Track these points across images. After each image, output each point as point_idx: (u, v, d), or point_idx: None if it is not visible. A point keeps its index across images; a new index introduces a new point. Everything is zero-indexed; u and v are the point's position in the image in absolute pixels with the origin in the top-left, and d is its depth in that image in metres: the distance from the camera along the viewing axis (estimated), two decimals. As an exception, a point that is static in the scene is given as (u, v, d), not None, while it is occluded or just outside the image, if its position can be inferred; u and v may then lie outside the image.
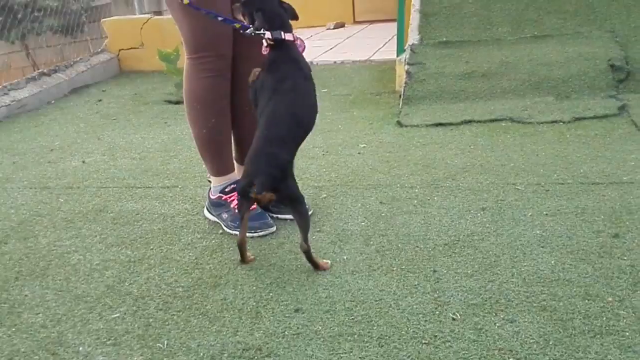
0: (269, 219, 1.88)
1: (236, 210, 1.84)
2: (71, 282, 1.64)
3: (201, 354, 1.28)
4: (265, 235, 1.83)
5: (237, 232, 1.72)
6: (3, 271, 1.74)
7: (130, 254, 1.78)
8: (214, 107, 1.89)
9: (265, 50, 1.65)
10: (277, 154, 1.56)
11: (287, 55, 1.65)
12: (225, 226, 1.90)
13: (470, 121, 2.79)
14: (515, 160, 2.27)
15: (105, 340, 1.36)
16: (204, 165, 2.08)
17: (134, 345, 1.33)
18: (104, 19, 5.21)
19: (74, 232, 1.98)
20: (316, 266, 1.57)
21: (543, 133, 2.57)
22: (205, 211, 2.02)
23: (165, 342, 1.33)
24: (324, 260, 1.60)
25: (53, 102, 4.20)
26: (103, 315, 1.47)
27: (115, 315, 1.46)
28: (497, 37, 3.61)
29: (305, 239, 1.54)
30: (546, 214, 1.79)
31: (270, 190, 1.52)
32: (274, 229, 1.85)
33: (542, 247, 1.60)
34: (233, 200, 1.91)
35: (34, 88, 4.19)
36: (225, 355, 1.27)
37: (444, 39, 3.60)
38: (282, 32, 1.62)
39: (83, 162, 2.74)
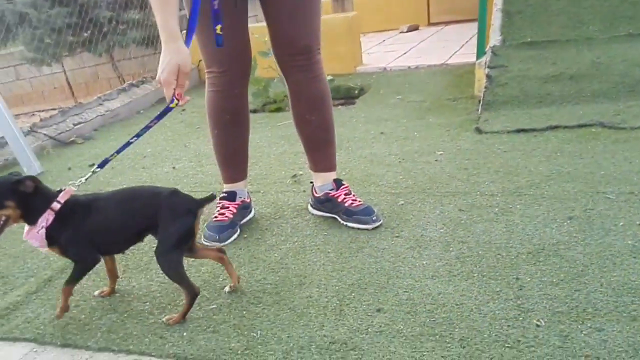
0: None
1: (214, 218, 2.03)
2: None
3: (291, 344, 1.38)
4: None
5: (207, 242, 1.96)
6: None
7: (221, 253, 1.92)
8: (215, 120, 2.00)
9: (45, 223, 1.50)
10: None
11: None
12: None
13: (556, 127, 2.70)
14: (606, 167, 2.18)
15: (205, 327, 1.50)
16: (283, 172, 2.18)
17: (231, 334, 1.45)
18: (184, 30, 5.51)
19: (171, 231, 2.15)
20: None
21: (637, 139, 2.44)
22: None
23: (259, 332, 1.45)
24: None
25: (142, 111, 4.54)
26: (202, 306, 1.60)
27: (212, 307, 1.59)
28: (588, 36, 3.44)
29: None
30: (639, 224, 1.72)
31: None
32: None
33: (634, 257, 1.55)
34: (217, 207, 2.06)
35: (125, 98, 4.56)
36: (313, 346, 1.36)
37: (529, 39, 3.48)
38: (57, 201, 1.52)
39: (173, 168, 2.95)
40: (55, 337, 1.56)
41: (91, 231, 1.53)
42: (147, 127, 1.63)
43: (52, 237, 1.51)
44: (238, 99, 1.96)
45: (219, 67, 1.89)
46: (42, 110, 4.34)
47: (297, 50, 1.85)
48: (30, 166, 3.18)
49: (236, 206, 2.07)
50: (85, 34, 5.68)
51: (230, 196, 2.08)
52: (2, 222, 1.48)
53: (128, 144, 1.64)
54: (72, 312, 1.67)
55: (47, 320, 1.64)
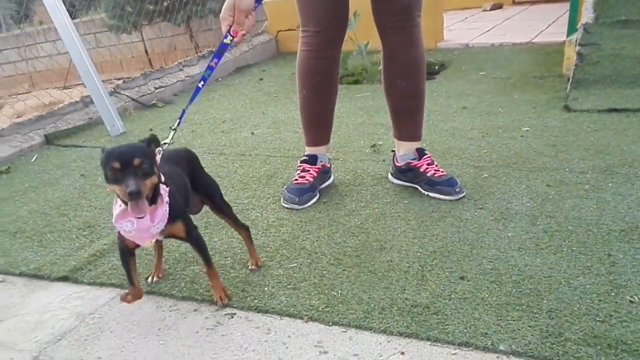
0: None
1: (294, 181, 2.06)
2: (252, 234, 1.84)
3: (372, 305, 1.40)
4: None
5: (287, 205, 1.99)
6: (194, 221, 2.02)
7: (301, 215, 1.96)
8: (305, 80, 2.00)
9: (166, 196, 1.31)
10: None
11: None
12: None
13: (651, 108, 2.54)
14: None
15: (285, 284, 1.54)
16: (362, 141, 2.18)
17: (311, 291, 1.49)
18: (265, 0, 5.49)
19: (250, 192, 2.22)
20: None
21: None
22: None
23: (339, 292, 1.47)
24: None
25: (220, 79, 4.65)
26: (282, 264, 1.65)
27: (292, 265, 1.64)
28: (688, 15, 3.20)
29: None
30: None
31: None
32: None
33: None
34: (298, 171, 2.10)
35: (205, 65, 4.67)
36: (394, 308, 1.37)
37: (623, 17, 3.27)
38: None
39: (252, 133, 3.02)
40: (140, 284, 1.61)
41: (183, 198, 1.43)
42: (210, 68, 1.60)
43: (170, 213, 1.30)
44: (330, 61, 1.97)
45: (315, 26, 1.89)
46: (120, 79, 4.53)
47: (396, 9, 1.82)
48: (114, 125, 3.32)
49: (317, 170, 2.09)
50: (165, 3, 5.81)
51: (312, 159, 2.11)
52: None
53: (198, 90, 1.61)
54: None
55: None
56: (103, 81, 3.52)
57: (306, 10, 1.90)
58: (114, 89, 3.89)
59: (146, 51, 6.77)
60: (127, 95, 3.90)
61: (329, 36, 1.91)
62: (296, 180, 2.08)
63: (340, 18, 1.90)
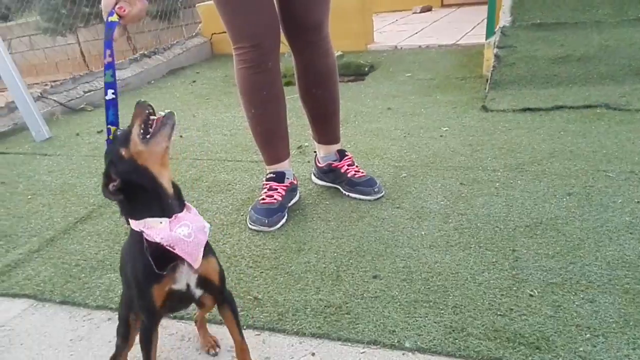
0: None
1: (261, 201, 1.90)
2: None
3: (287, 307, 1.40)
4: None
5: (254, 227, 1.83)
6: (114, 227, 1.96)
7: (223, 218, 1.95)
8: (251, 98, 1.85)
9: None
10: None
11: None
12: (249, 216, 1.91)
13: (561, 107, 2.69)
14: (608, 147, 2.18)
15: (202, 289, 1.52)
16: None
17: (227, 296, 1.47)
18: (198, 4, 5.46)
19: (174, 197, 2.17)
20: None
21: (641, 121, 2.44)
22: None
23: (255, 294, 1.47)
24: None
25: (153, 82, 4.54)
26: (200, 268, 1.63)
27: (210, 270, 1.62)
28: (597, 19, 3.42)
29: None
30: (637, 202, 1.73)
31: None
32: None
33: (630, 233, 1.56)
34: (265, 189, 1.95)
35: (136, 68, 4.57)
36: (308, 309, 1.38)
37: (538, 20, 3.46)
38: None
39: (180, 136, 2.96)
40: (54, 294, 1.60)
41: None
42: (108, 66, 1.23)
43: None
44: (273, 73, 1.81)
45: (250, 41, 1.74)
46: (55, 81, 4.36)
47: (308, 25, 1.80)
48: (39, 131, 3.20)
49: (285, 188, 1.95)
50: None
51: (279, 177, 1.96)
52: None
53: (111, 102, 1.22)
54: (72, 271, 1.70)
55: (47, 277, 1.68)
56: (36, 84, 3.39)
57: (237, 26, 1.75)
58: (41, 93, 3.75)
59: (82, 53, 6.54)
60: (54, 100, 3.75)
61: (266, 48, 1.75)
62: (263, 200, 1.91)
63: (274, 27, 1.78)
